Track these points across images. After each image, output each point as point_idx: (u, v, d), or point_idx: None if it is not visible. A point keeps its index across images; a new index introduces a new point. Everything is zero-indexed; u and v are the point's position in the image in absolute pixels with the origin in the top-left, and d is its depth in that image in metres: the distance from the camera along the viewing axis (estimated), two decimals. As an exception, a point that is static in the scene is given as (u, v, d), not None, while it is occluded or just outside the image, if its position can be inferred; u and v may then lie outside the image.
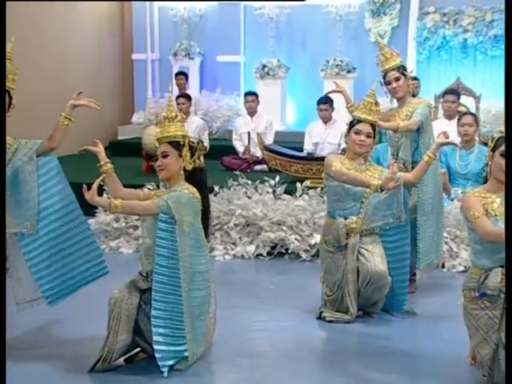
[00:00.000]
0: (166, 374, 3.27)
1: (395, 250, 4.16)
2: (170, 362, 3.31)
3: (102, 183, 3.33)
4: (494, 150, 3.13)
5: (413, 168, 4.43)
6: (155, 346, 3.26)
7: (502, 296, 3.03)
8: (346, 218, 4.09)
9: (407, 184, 4.10)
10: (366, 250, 4.07)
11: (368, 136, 4.05)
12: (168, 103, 3.48)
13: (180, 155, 3.37)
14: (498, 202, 3.09)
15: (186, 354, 3.34)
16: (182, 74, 9.58)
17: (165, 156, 3.37)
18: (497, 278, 3.03)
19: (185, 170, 3.40)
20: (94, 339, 3.49)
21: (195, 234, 3.34)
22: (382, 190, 3.86)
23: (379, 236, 4.15)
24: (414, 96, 4.87)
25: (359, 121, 4.06)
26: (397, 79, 4.47)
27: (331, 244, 4.15)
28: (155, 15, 10.39)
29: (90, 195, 3.16)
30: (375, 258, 4.03)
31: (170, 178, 3.41)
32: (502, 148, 3.07)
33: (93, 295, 3.76)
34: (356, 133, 4.05)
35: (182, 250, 3.27)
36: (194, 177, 3.43)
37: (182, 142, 3.37)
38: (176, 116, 3.41)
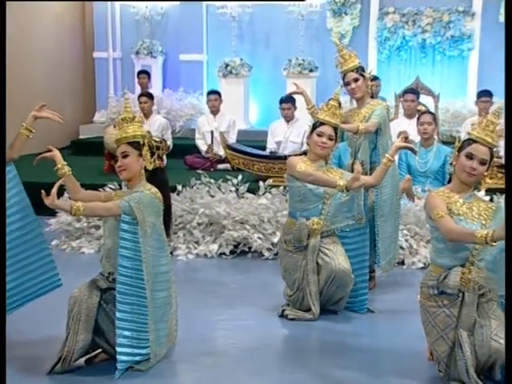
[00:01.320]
0: (117, 377, 3.24)
1: (355, 252, 4.20)
2: (128, 365, 3.29)
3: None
4: (460, 150, 3.17)
5: (371, 168, 4.51)
6: (118, 348, 3.25)
7: (461, 295, 3.09)
8: (307, 219, 4.12)
9: (368, 187, 4.15)
10: (328, 250, 4.11)
11: (330, 138, 4.10)
12: (125, 104, 3.47)
13: (140, 155, 3.37)
14: (461, 202, 3.14)
15: (148, 356, 3.33)
16: (145, 73, 9.53)
17: (125, 156, 3.36)
18: (457, 277, 3.08)
19: (146, 170, 3.40)
20: (53, 340, 3.46)
21: (157, 235, 3.34)
22: (347, 190, 3.90)
23: (339, 238, 4.20)
24: (372, 96, 4.93)
25: (322, 123, 4.10)
26: (355, 80, 4.52)
27: (291, 244, 4.18)
28: (117, 13, 10.30)
29: (50, 200, 3.12)
30: (338, 257, 4.08)
31: (131, 179, 3.40)
32: (468, 149, 3.11)
33: (53, 296, 3.72)
34: (318, 135, 4.09)
35: (145, 251, 3.26)
36: (155, 177, 3.43)
37: (141, 142, 3.37)
38: (134, 117, 3.40)
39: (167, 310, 3.43)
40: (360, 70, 4.55)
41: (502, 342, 2.98)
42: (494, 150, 3.19)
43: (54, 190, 3.11)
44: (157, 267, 3.33)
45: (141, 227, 3.24)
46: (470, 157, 3.11)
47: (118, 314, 3.23)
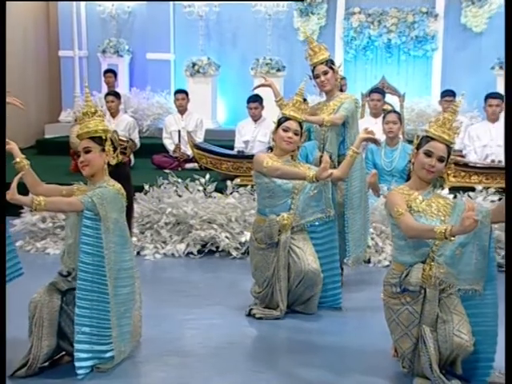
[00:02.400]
0: (81, 376, 3.22)
1: (324, 246, 4.23)
2: (90, 363, 3.27)
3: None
4: (418, 147, 3.21)
5: (339, 161, 4.54)
6: (76, 345, 3.21)
7: (423, 292, 3.13)
8: (277, 215, 4.14)
9: (335, 179, 4.18)
10: (298, 248, 4.13)
11: (295, 133, 4.12)
12: (85, 99, 3.44)
13: (103, 150, 3.35)
14: (420, 199, 3.18)
15: (112, 353, 3.31)
16: (111, 72, 9.47)
17: (87, 151, 3.33)
18: (418, 273, 3.12)
19: (108, 165, 3.38)
20: (15, 342, 3.41)
21: (120, 231, 3.32)
22: (317, 180, 3.92)
23: (308, 233, 4.22)
24: (341, 90, 4.96)
25: (287, 118, 4.12)
26: (325, 73, 4.55)
27: (263, 241, 4.19)
28: (82, 11, 10.19)
29: (10, 194, 3.07)
30: (307, 257, 4.10)
31: (94, 174, 3.37)
32: (426, 147, 3.16)
33: (18, 296, 3.67)
34: (284, 130, 4.11)
35: (107, 247, 3.24)
36: (118, 172, 3.42)
37: (103, 137, 3.35)
38: (95, 111, 3.38)
39: (130, 307, 3.42)
40: (330, 62, 4.58)
41: (464, 336, 3.04)
42: (451, 147, 3.23)
43: (14, 184, 3.07)
44: (119, 263, 3.31)
45: (103, 223, 3.22)
46: (428, 154, 3.15)
47: (77, 311, 3.20)
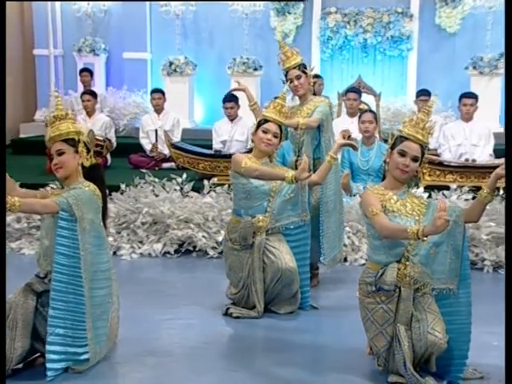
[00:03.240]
0: (50, 378, 3.19)
1: (298, 249, 4.24)
2: (62, 365, 3.25)
3: None
4: (392, 147, 3.23)
5: (314, 164, 4.57)
6: (48, 347, 3.19)
7: (398, 291, 3.16)
8: (253, 217, 4.14)
9: (312, 184, 4.21)
10: (274, 248, 4.14)
11: (275, 136, 4.13)
12: (56, 102, 3.43)
13: (76, 152, 3.34)
14: (395, 199, 3.20)
15: (87, 355, 3.29)
16: (87, 71, 9.41)
17: (60, 154, 3.32)
18: (393, 273, 3.15)
19: (82, 167, 3.36)
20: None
21: (96, 232, 3.31)
22: (296, 181, 3.93)
23: (283, 235, 4.22)
24: (315, 94, 4.99)
25: (267, 120, 4.13)
26: (298, 77, 4.57)
27: (237, 242, 4.19)
28: (57, 10, 10.09)
29: None
30: (284, 256, 4.11)
31: (68, 176, 3.35)
32: (400, 147, 3.18)
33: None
34: (264, 131, 4.12)
35: (83, 248, 3.23)
36: (92, 174, 3.40)
37: (76, 139, 3.34)
38: (66, 114, 3.37)
39: (107, 309, 3.41)
40: (302, 67, 4.60)
41: (438, 334, 3.08)
42: (425, 147, 3.26)
43: None
44: (96, 265, 3.30)
45: (79, 224, 3.21)
46: (402, 154, 3.17)
47: (50, 312, 3.18)
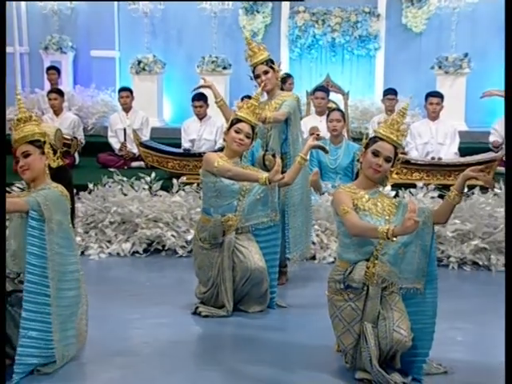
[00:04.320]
0: (16, 381, 3.14)
1: (268, 249, 4.25)
2: (31, 368, 3.22)
3: None
4: (366, 147, 3.26)
5: (282, 158, 4.60)
6: (19, 349, 3.15)
7: (366, 289, 3.20)
8: (222, 216, 4.15)
9: (282, 185, 4.21)
10: (243, 247, 4.15)
11: (247, 136, 4.14)
12: (18, 105, 3.40)
13: (42, 153, 3.31)
14: (366, 198, 3.23)
15: (54, 357, 3.27)
16: (54, 69, 9.30)
17: (26, 155, 3.29)
18: (362, 271, 3.18)
19: (49, 168, 3.34)
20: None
21: (64, 233, 3.29)
22: (270, 183, 3.94)
23: (253, 235, 4.23)
24: (282, 89, 5.02)
25: (240, 120, 4.14)
26: (265, 72, 4.59)
27: (207, 241, 4.20)
28: (22, 7, 9.96)
29: None
30: (253, 256, 4.12)
31: (35, 178, 3.33)
32: (374, 147, 3.21)
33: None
34: (236, 131, 4.12)
35: (51, 249, 3.21)
36: (60, 175, 3.38)
37: (42, 140, 3.32)
38: (30, 116, 3.34)
39: (75, 310, 3.38)
40: (269, 62, 4.62)
41: (403, 332, 3.12)
42: (399, 148, 3.30)
43: None
44: (64, 266, 3.28)
45: (47, 225, 3.19)
46: (375, 154, 3.20)
47: (23, 314, 3.15)
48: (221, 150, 4.29)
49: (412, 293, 3.22)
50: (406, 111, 3.28)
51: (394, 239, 2.97)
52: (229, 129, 4.16)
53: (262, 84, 4.57)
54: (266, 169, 4.54)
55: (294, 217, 4.60)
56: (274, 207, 4.21)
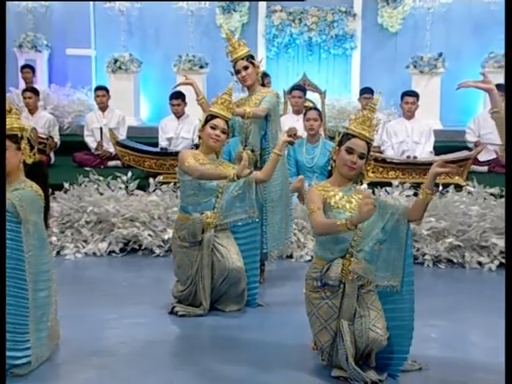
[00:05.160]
0: None
1: (246, 246, 4.25)
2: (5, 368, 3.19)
3: None
4: (340, 144, 3.26)
5: (261, 155, 4.63)
6: None
7: (342, 286, 3.21)
8: (201, 213, 4.14)
9: (259, 182, 4.23)
10: (222, 246, 4.15)
11: (223, 132, 4.14)
12: None
13: (19, 148, 3.27)
14: (340, 195, 3.24)
15: (28, 358, 3.23)
16: (29, 67, 9.22)
17: None
18: (338, 268, 3.19)
19: (25, 164, 3.30)
20: None
21: (39, 233, 3.26)
22: (238, 178, 3.94)
23: (231, 232, 4.24)
24: (263, 85, 5.04)
25: (215, 116, 4.14)
26: (246, 68, 4.60)
27: (186, 239, 4.19)
28: (-4, 4, 9.84)
29: None
30: (232, 255, 4.12)
31: (9, 174, 3.28)
32: (348, 144, 3.20)
33: None
34: (212, 127, 4.12)
35: (28, 251, 3.18)
36: (35, 172, 3.34)
37: (19, 135, 3.28)
38: (10, 109, 3.29)
39: (47, 310, 3.35)
40: (250, 58, 4.63)
41: (379, 331, 3.14)
42: (371, 144, 3.30)
43: None
44: (38, 266, 3.25)
45: (23, 226, 3.15)
46: (349, 151, 3.20)
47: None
48: (196, 146, 4.28)
49: (389, 290, 3.23)
50: (376, 106, 3.27)
51: (353, 228, 3.02)
52: (204, 125, 4.16)
53: (243, 79, 4.59)
54: None
55: (272, 213, 4.60)
56: (251, 204, 4.21)
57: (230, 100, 4.20)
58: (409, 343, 3.25)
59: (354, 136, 3.21)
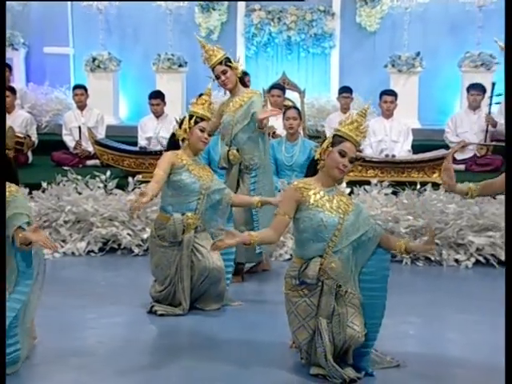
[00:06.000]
0: None
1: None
2: None
3: None
4: (332, 145, 3.21)
5: (246, 153, 4.71)
6: None
7: (320, 285, 3.23)
8: (182, 214, 4.14)
9: (233, 205, 4.30)
10: (202, 246, 4.15)
11: (209, 134, 4.20)
12: None
13: None
14: (321, 194, 3.24)
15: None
16: (5, 66, 9.10)
17: None
18: (316, 267, 3.20)
19: None
20: None
21: None
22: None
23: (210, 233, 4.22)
24: (245, 85, 5.05)
25: (202, 118, 4.14)
26: (224, 72, 4.63)
27: (166, 239, 4.18)
28: (-30, 2, 9.73)
29: None
30: (212, 255, 4.13)
31: None
32: (341, 147, 3.18)
33: None
34: (201, 130, 4.13)
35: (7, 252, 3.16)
36: (5, 170, 3.31)
37: None
38: None
39: (22, 311, 3.32)
40: (226, 61, 4.66)
41: (356, 328, 3.16)
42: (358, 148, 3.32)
43: None
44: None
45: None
46: (343, 154, 3.19)
47: None
48: (168, 148, 4.25)
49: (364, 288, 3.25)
50: (367, 112, 3.25)
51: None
52: (189, 127, 4.13)
53: (223, 83, 4.67)
54: (231, 164, 4.70)
55: (261, 211, 4.62)
56: (222, 223, 4.23)
57: (210, 100, 4.21)
58: (375, 337, 3.27)
59: (346, 139, 3.20)
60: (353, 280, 3.25)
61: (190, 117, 4.16)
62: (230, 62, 4.68)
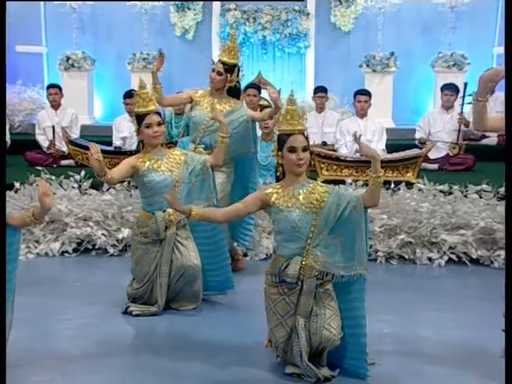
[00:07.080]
0: None
1: (211, 232, 4.27)
2: None
3: None
4: (280, 149, 3.25)
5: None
6: None
7: (300, 284, 3.24)
8: (163, 211, 4.14)
9: (213, 166, 4.29)
10: (181, 245, 4.16)
11: (158, 124, 4.09)
12: None
13: None
14: (289, 195, 3.25)
15: None
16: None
17: None
18: (296, 266, 3.21)
19: None
20: None
21: None
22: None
23: (194, 225, 4.19)
24: (231, 92, 5.08)
25: (144, 115, 4.08)
26: (219, 73, 4.75)
27: (149, 236, 4.17)
28: None
29: None
30: (190, 253, 4.14)
31: None
32: (288, 144, 3.20)
33: None
34: (147, 127, 4.08)
35: None
36: None
37: None
38: None
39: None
40: (232, 67, 4.76)
41: (333, 330, 3.18)
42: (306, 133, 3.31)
43: None
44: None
45: None
46: (292, 150, 3.21)
47: None
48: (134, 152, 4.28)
49: (345, 290, 3.25)
50: (293, 97, 3.27)
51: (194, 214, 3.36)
52: (139, 128, 4.10)
53: (210, 80, 4.84)
54: None
55: None
56: (210, 190, 4.24)
57: (148, 93, 4.12)
58: (364, 333, 3.26)
59: (289, 135, 3.22)
60: (352, 259, 3.20)
61: (136, 118, 4.11)
62: (232, 72, 4.77)
